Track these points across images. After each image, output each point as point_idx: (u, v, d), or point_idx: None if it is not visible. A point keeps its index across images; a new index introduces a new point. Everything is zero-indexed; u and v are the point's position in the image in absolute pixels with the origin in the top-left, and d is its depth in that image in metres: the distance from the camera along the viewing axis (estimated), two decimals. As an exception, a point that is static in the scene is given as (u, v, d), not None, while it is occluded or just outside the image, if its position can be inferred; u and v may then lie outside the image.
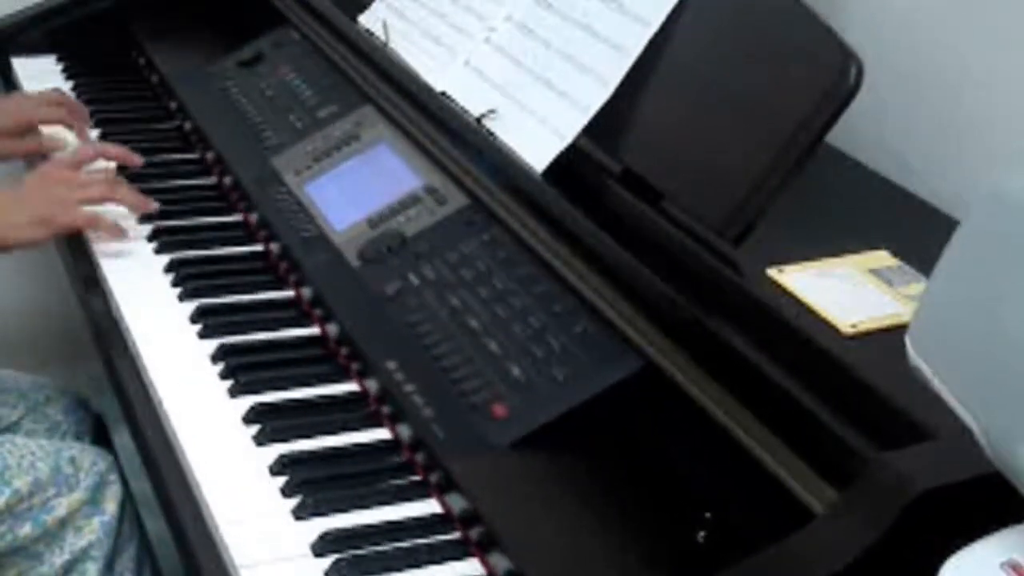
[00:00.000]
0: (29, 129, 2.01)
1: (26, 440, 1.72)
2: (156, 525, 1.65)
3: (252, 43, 2.18)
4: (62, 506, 1.66)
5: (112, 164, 1.90)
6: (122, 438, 1.75)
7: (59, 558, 1.67)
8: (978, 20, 1.58)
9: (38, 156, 2.02)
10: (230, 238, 1.82)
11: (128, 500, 1.75)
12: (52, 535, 1.66)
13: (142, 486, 1.55)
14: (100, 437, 1.99)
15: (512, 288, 1.47)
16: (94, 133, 2.09)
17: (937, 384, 0.90)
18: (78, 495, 1.67)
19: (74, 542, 1.67)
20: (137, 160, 1.84)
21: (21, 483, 1.64)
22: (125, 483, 1.76)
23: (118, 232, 1.74)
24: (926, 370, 0.91)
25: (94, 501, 1.69)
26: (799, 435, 1.15)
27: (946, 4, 1.62)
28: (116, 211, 1.78)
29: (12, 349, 2.49)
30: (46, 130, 2.02)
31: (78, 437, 1.95)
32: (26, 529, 1.64)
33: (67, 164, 1.81)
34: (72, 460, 1.69)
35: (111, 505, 1.70)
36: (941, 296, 0.90)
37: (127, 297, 1.66)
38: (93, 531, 1.68)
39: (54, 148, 1.99)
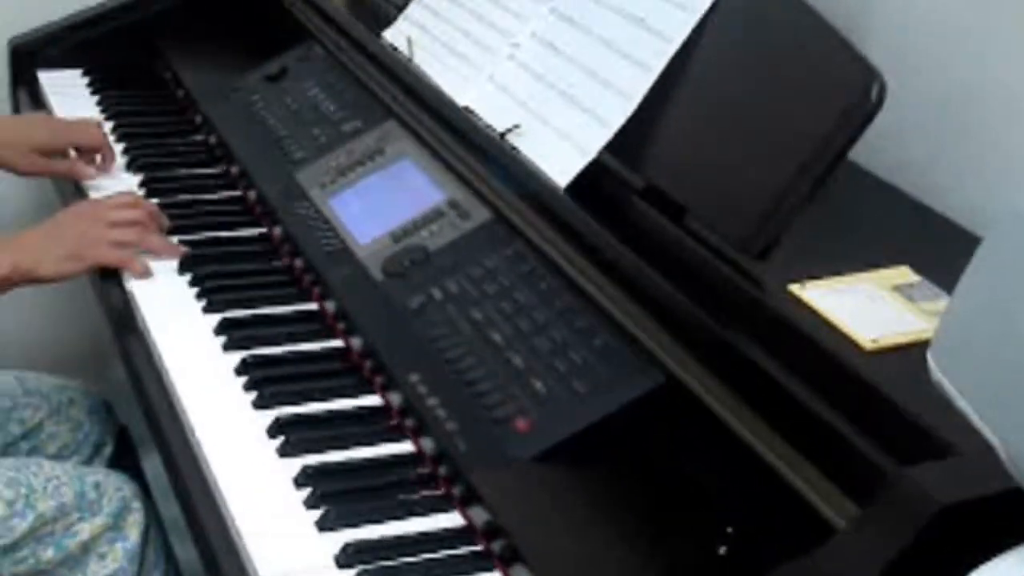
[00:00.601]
0: (61, 150, 2.03)
1: (52, 464, 1.72)
2: (186, 552, 1.65)
3: (277, 58, 2.19)
4: (84, 531, 1.67)
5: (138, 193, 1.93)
6: (147, 451, 1.76)
7: None
8: (1001, 38, 1.58)
9: (65, 180, 2.04)
10: (254, 251, 1.84)
11: (155, 527, 1.75)
12: (75, 560, 1.67)
13: (172, 510, 1.56)
14: (124, 448, 2.00)
15: (535, 302, 1.47)
16: (119, 147, 2.10)
17: (959, 401, 0.90)
18: (100, 520, 1.68)
19: (97, 569, 1.67)
20: (165, 221, 1.85)
21: (45, 507, 1.64)
22: (154, 510, 1.77)
23: (147, 273, 1.74)
24: (948, 387, 0.91)
25: (117, 527, 1.69)
26: (820, 450, 1.15)
27: (969, 23, 1.62)
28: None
29: (38, 355, 2.51)
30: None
31: (101, 440, 1.97)
32: (49, 553, 1.65)
33: (103, 205, 1.83)
34: (96, 485, 1.69)
35: (133, 532, 1.70)
36: (963, 313, 0.90)
37: (152, 309, 1.67)
38: (116, 559, 1.68)
39: (83, 176, 2.01)
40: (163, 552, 1.77)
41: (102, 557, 1.68)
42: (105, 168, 2.03)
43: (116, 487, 1.72)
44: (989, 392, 0.87)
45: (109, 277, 1.76)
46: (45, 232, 1.75)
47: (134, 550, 1.70)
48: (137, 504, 1.72)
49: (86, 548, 1.67)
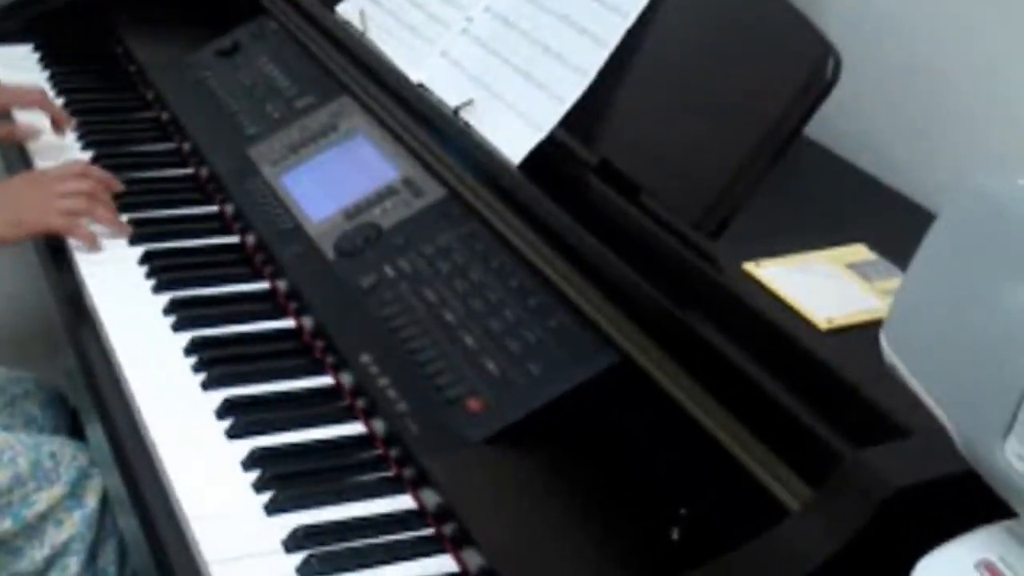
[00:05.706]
0: (2, 115, 2.01)
1: (5, 435, 1.70)
2: (128, 522, 1.64)
3: (230, 33, 2.16)
4: (42, 501, 1.65)
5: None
6: (95, 432, 1.74)
7: (40, 552, 1.66)
8: (960, 16, 1.58)
9: (10, 143, 2.01)
10: (206, 229, 1.81)
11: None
12: (32, 529, 1.65)
13: (115, 482, 1.54)
14: (76, 432, 1.98)
15: (488, 281, 1.45)
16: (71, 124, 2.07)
17: (912, 381, 0.89)
18: (58, 489, 1.66)
19: (55, 536, 1.66)
20: (118, 186, 1.83)
21: (1, 478, 1.62)
22: None
23: (93, 241, 1.72)
24: (901, 367, 0.90)
25: (74, 495, 1.68)
26: (775, 431, 1.14)
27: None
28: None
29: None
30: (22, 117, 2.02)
31: (55, 432, 1.94)
32: (6, 524, 1.63)
33: (53, 175, 1.80)
34: (52, 455, 1.68)
35: (92, 498, 1.69)
36: (916, 293, 0.89)
37: (101, 287, 1.65)
38: (74, 525, 1.67)
39: (28, 136, 1.98)
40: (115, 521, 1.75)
41: (59, 524, 1.67)
42: (59, 130, 2.00)
43: (72, 455, 1.70)
44: (941, 373, 0.86)
45: (59, 254, 1.73)
46: None
47: (92, 516, 1.69)
48: (95, 470, 1.71)
49: (43, 517, 1.66)
